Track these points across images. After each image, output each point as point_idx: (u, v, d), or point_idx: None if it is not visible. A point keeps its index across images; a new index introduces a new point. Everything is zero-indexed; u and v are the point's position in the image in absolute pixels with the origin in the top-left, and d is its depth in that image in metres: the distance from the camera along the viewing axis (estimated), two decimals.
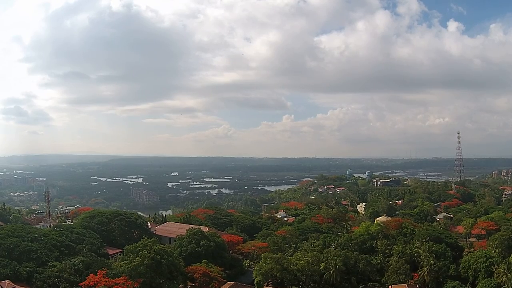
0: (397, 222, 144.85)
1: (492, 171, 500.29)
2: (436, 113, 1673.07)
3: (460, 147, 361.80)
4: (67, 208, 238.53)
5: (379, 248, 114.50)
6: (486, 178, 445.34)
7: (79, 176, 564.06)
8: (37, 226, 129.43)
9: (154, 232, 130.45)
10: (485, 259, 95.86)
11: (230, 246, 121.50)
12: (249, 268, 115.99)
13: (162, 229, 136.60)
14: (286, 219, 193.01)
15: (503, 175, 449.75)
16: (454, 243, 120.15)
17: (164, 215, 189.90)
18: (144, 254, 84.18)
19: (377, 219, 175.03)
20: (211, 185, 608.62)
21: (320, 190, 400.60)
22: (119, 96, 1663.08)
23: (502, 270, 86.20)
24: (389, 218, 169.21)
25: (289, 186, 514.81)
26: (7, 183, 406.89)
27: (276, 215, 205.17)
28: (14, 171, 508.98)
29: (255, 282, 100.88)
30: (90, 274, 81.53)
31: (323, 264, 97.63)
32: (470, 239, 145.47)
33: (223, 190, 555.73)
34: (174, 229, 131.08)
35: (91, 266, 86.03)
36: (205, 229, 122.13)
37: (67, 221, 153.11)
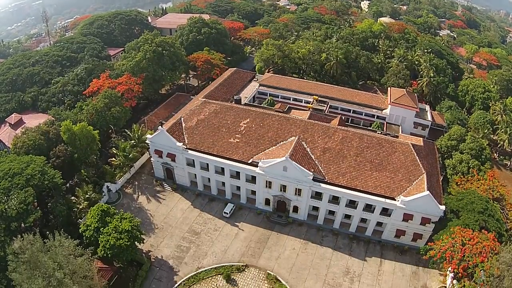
0: (400, 25, 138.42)
1: (500, 9, 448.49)
2: None
3: None
4: (66, 21, 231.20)
5: (380, 48, 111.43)
6: (493, 14, 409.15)
7: None
8: (37, 49, 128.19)
9: (154, 25, 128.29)
10: (483, 89, 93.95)
11: (231, 33, 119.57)
12: (250, 55, 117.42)
13: (163, 21, 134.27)
14: (288, 7, 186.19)
15: (511, 18, 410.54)
16: (455, 63, 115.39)
17: (164, 7, 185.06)
18: (145, 48, 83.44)
19: (380, 19, 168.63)
20: None
21: None
22: None
23: (498, 110, 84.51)
24: (392, 21, 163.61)
25: None
26: (3, 21, 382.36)
27: (278, 2, 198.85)
28: (9, 6, 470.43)
29: (256, 68, 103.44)
30: (93, 80, 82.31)
31: (324, 55, 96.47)
32: (470, 65, 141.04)
33: None
34: (175, 20, 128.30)
35: (93, 72, 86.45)
36: (206, 17, 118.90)
37: (66, 34, 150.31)
